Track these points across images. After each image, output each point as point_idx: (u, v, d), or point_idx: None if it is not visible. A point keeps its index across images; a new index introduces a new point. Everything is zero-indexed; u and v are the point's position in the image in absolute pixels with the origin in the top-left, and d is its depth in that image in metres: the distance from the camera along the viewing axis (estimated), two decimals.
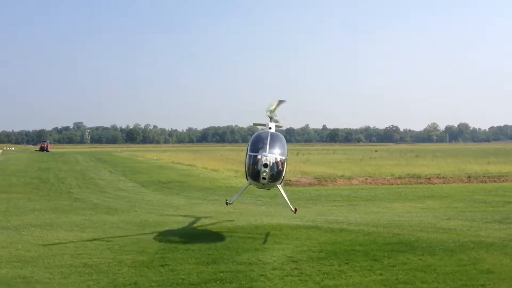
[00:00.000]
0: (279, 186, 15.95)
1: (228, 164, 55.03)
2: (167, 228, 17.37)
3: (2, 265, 11.95)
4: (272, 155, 14.68)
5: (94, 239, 15.28)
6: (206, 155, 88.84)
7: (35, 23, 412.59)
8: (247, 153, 15.42)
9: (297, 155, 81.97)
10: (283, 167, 15.11)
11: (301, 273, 11.29)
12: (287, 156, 15.45)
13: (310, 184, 36.20)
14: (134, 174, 45.76)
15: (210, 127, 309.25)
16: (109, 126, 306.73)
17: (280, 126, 18.38)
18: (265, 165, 14.37)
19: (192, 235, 15.83)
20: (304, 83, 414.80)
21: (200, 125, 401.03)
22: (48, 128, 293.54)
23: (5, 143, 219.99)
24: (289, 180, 37.80)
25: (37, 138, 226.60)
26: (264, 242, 14.67)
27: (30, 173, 46.24)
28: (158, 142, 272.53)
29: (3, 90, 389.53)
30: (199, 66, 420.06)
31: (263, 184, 14.90)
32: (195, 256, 12.92)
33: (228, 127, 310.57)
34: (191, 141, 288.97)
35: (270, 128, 16.39)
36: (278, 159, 14.89)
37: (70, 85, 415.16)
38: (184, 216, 20.73)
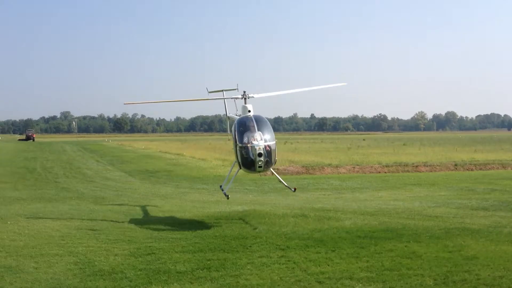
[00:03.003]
0: (272, 169, 16.05)
1: (216, 153, 54.95)
2: (153, 217, 17.32)
3: None
4: (263, 142, 14.68)
5: (81, 228, 15.20)
6: (194, 144, 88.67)
7: (25, 10, 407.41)
8: (235, 143, 15.26)
9: (285, 144, 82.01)
10: (274, 151, 15.13)
11: (288, 260, 11.30)
12: (275, 138, 15.41)
13: (298, 173, 36.26)
14: (122, 164, 45.52)
15: (198, 116, 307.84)
16: (96, 116, 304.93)
17: (235, 89, 18.42)
18: (260, 155, 14.42)
19: (179, 224, 15.81)
20: (290, 72, 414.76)
21: (188, 114, 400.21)
22: (35, 117, 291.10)
23: None
24: (277, 169, 37.85)
25: (23, 128, 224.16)
26: (252, 230, 14.67)
27: (16, 162, 45.84)
28: (145, 132, 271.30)
29: None
30: (186, 55, 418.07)
31: (259, 172, 15.09)
32: (181, 244, 12.90)
33: (216, 116, 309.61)
34: (179, 130, 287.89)
35: (249, 111, 16.02)
36: (270, 144, 14.92)
37: (57, 75, 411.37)
38: (171, 205, 20.68)
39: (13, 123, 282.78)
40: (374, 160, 43.06)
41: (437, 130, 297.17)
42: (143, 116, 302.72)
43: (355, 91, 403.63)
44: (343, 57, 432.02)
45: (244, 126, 15.27)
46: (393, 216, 17.11)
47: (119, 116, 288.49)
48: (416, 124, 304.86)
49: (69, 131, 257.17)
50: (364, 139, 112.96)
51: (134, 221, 16.50)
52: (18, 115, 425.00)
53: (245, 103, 16.37)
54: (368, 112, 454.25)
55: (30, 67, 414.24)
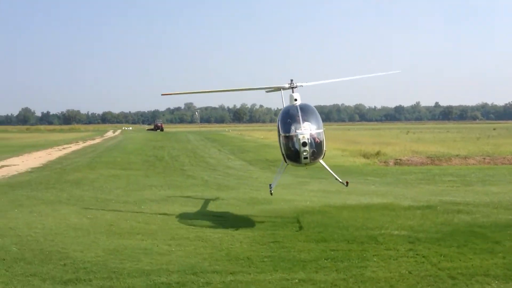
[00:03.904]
0: (322, 161, 14.53)
1: (335, 143, 54.40)
2: (276, 205, 17.53)
3: (126, 236, 12.72)
4: (308, 131, 13.43)
5: (207, 215, 15.83)
6: None
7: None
8: (279, 134, 14.29)
9: (407, 133, 79.14)
10: (322, 141, 13.88)
11: (417, 254, 10.84)
12: (323, 127, 14.31)
13: (422, 164, 34.78)
14: (242, 153, 46.71)
15: (315, 105, 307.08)
16: (217, 106, 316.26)
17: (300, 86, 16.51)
18: (304, 144, 13.10)
19: (301, 213, 15.81)
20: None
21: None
22: (162, 109, 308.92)
23: (123, 123, 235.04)
24: (400, 159, 36.67)
25: (151, 119, 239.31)
26: (376, 221, 14.29)
27: (146, 151, 48.81)
28: (264, 122, 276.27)
29: (122, 78, 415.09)
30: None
31: (306, 164, 13.70)
32: (305, 233, 12.90)
33: (334, 105, 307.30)
34: None
35: (296, 100, 14.85)
36: (315, 134, 13.69)
37: (182, 69, 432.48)
38: (292, 194, 20.80)
39: (142, 114, 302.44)
40: (506, 150, 40.07)
41: None
42: (261, 106, 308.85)
43: (483, 77, 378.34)
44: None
45: (287, 115, 14.21)
46: None
47: (238, 106, 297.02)
48: None
49: (192, 121, 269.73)
50: (494, 129, 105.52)
51: (257, 209, 16.82)
52: (146, 107, 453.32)
53: (293, 92, 15.31)
54: (499, 99, 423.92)
55: (154, 63, 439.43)
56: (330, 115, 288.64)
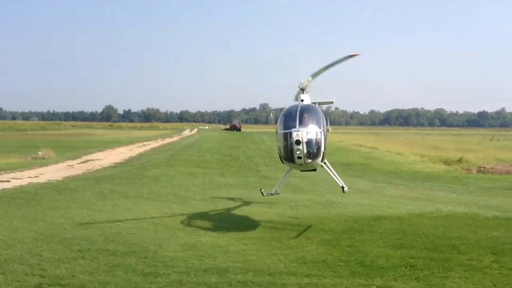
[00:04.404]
0: (324, 165, 13.64)
1: (414, 148, 52.91)
2: (352, 209, 17.25)
3: (202, 233, 12.95)
4: (304, 129, 12.49)
5: (283, 215, 15.82)
6: (389, 138, 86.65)
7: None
8: (276, 133, 13.48)
9: (491, 140, 75.52)
10: (320, 141, 12.78)
11: (502, 266, 10.27)
12: (326, 129, 13.42)
13: (507, 172, 33.04)
14: None
15: (393, 109, 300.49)
16: None
17: (331, 102, 16.39)
18: (297, 142, 12.26)
19: (378, 218, 15.46)
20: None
21: (383, 107, 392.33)
22: (237, 109, 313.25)
23: (199, 122, 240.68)
24: (483, 167, 35.05)
25: (226, 118, 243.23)
26: (458, 230, 13.70)
27: (221, 150, 49.62)
28: (339, 124, 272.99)
29: (199, 78, 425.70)
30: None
31: (301, 164, 12.74)
32: (382, 239, 12.58)
33: (413, 109, 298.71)
34: (373, 123, 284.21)
35: (302, 100, 13.87)
36: (313, 133, 12.66)
37: (258, 72, 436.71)
38: (369, 199, 20.39)
39: (218, 114, 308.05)
40: None
41: None
42: (337, 109, 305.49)
43: None
44: None
45: (286, 113, 13.35)
46: None
47: None
48: None
49: (266, 122, 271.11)
50: None
51: (333, 212, 16.63)
52: (222, 107, 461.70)
53: (303, 92, 14.27)
54: None
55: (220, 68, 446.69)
56: (409, 119, 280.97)
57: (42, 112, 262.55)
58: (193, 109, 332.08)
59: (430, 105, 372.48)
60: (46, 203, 16.34)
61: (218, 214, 15.79)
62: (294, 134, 12.38)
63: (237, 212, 16.21)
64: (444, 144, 64.21)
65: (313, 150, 12.67)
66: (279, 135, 13.15)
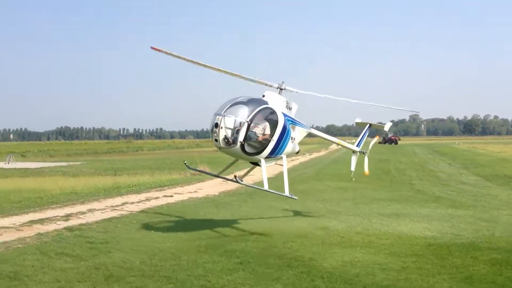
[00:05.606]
0: (263, 161, 14.00)
1: None
2: None
3: (358, 249, 12.67)
4: (230, 114, 12.50)
5: (444, 232, 14.89)
6: None
7: None
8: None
9: None
10: (245, 127, 12.54)
11: None
12: (275, 125, 13.37)
13: None
14: (476, 167, 43.27)
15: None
16: (445, 118, 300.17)
17: (382, 127, 19.93)
18: (216, 125, 12.38)
19: None
20: None
21: None
22: (384, 121, 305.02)
23: (346, 136, 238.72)
24: None
25: (375, 131, 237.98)
26: None
27: (370, 164, 48.30)
28: (499, 134, 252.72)
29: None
30: None
31: (220, 148, 12.74)
32: None
33: None
34: None
35: (263, 96, 13.98)
36: (240, 121, 12.52)
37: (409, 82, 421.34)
38: None
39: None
40: None
41: None
42: (496, 117, 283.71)
43: None
44: None
45: (232, 99, 13.29)
46: None
47: (469, 118, 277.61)
48: None
49: (417, 133, 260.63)
50: None
51: (499, 229, 15.27)
52: (369, 119, 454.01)
53: (280, 93, 14.27)
54: None
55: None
56: None
57: (197, 130, 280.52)
58: (339, 122, 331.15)
59: None
60: (203, 216, 17.37)
61: (373, 229, 15.34)
62: (216, 118, 12.65)
63: (392, 228, 15.62)
64: None
65: (230, 134, 12.67)
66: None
